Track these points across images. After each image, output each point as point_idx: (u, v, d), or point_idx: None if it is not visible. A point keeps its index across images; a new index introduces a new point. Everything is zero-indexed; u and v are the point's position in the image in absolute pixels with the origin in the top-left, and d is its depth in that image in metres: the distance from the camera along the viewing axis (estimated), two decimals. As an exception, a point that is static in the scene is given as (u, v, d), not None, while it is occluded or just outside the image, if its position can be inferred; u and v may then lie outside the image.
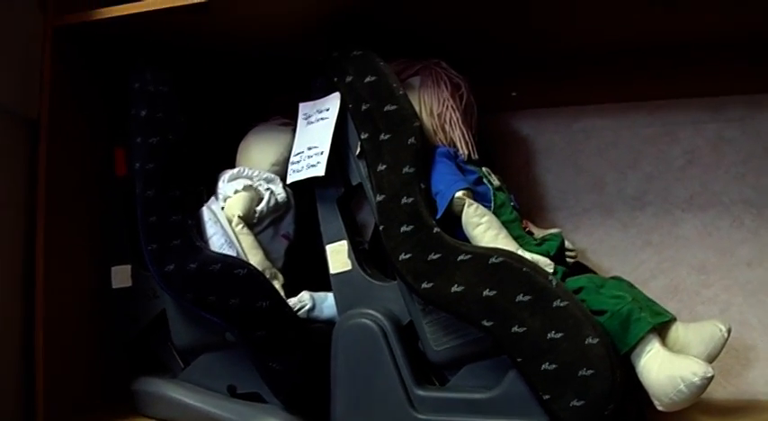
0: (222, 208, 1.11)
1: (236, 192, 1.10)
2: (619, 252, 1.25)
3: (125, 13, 1.04)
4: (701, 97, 1.23)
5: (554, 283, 0.87)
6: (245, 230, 1.09)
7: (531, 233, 1.05)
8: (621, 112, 1.26)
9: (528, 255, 0.93)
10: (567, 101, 1.28)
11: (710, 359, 0.91)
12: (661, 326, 0.91)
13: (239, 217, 1.09)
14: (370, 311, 0.99)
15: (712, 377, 0.83)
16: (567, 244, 1.07)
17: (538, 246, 0.99)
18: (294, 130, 1.09)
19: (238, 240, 1.08)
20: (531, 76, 1.23)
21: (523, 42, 1.14)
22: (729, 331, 0.92)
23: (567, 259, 1.06)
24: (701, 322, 0.94)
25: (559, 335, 0.85)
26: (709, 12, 1.02)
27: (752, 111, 1.20)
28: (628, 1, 0.99)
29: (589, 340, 0.84)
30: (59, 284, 1.09)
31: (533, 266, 0.89)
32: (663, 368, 0.85)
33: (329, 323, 1.05)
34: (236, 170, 1.14)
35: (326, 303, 1.08)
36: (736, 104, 1.21)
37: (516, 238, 0.98)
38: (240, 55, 1.20)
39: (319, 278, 1.07)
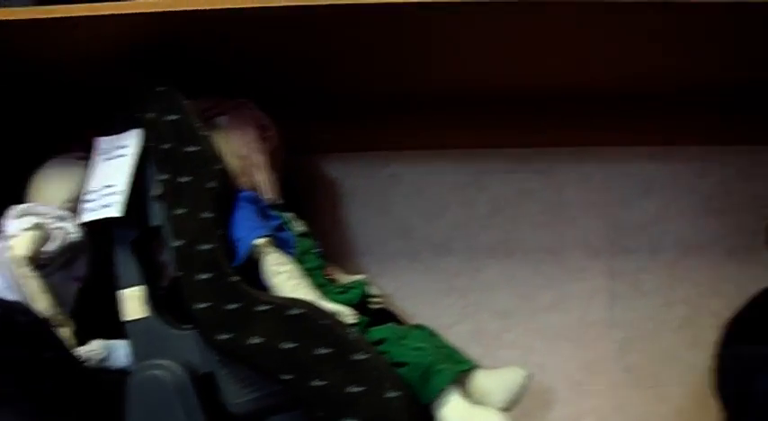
0: (7, 248, 1.02)
1: (23, 230, 1.02)
2: (424, 297, 1.26)
3: None
4: (509, 148, 1.27)
5: (354, 336, 0.86)
6: (32, 273, 1.01)
7: (334, 280, 1.04)
8: (430, 160, 1.28)
9: (330, 305, 0.91)
10: (377, 146, 1.28)
11: (512, 405, 0.93)
12: (463, 375, 0.92)
13: (25, 258, 1.00)
14: (164, 362, 0.93)
15: (510, 428, 0.85)
16: (373, 290, 1.06)
17: (341, 295, 0.98)
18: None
19: (23, 283, 1.00)
20: (341, 120, 1.22)
21: (332, 86, 1.13)
22: (529, 377, 0.94)
23: (374, 306, 1.05)
24: (503, 369, 0.96)
25: (360, 388, 0.83)
26: (513, 65, 1.06)
27: (554, 164, 1.26)
28: (434, 51, 1.01)
29: (390, 393, 0.83)
30: None
31: (334, 318, 0.88)
32: (462, 420, 0.86)
33: (125, 373, 0.99)
34: (24, 206, 1.05)
35: (121, 352, 1.02)
36: (541, 157, 1.26)
37: (319, 287, 0.96)
38: (44, 80, 1.12)
39: (116, 324, 1.00)
